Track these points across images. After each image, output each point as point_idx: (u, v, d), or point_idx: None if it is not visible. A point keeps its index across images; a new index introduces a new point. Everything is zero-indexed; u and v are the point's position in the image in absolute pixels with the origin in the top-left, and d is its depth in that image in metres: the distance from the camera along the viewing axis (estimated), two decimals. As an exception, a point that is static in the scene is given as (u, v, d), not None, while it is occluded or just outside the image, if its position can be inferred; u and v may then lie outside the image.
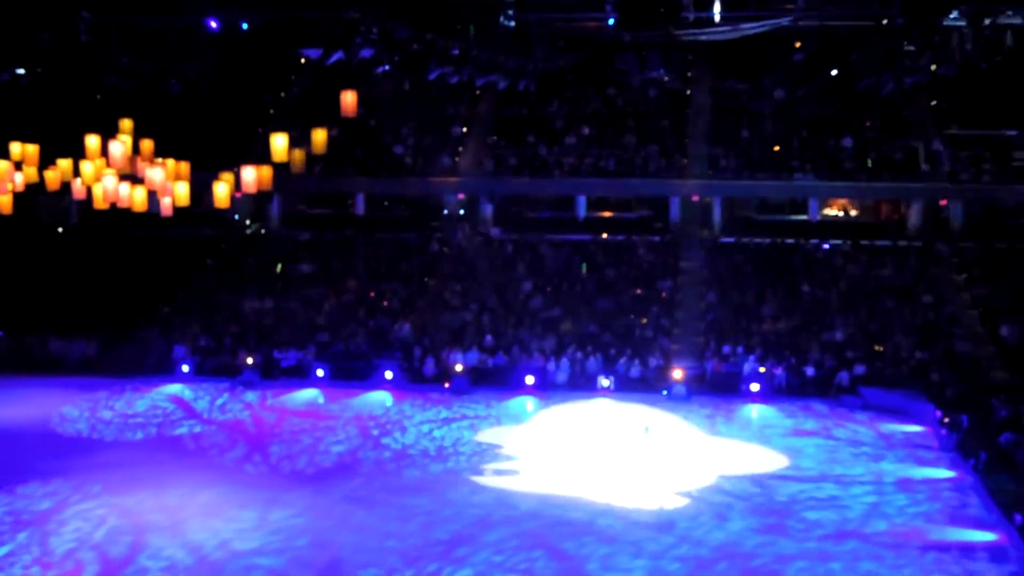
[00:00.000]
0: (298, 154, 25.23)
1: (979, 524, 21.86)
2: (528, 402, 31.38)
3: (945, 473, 25.05)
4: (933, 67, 37.06)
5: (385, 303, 37.67)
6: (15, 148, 25.05)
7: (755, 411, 30.65)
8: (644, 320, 35.83)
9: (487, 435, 28.11)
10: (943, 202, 40.29)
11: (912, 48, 36.69)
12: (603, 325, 35.44)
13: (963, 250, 38.32)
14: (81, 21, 34.56)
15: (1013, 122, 40.33)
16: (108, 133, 24.42)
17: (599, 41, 42.19)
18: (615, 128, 43.38)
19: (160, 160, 24.58)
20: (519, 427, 28.97)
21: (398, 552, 20.14)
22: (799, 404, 31.01)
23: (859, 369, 32.05)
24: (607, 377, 32.44)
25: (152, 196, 24.70)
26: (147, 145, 24.86)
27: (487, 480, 24.56)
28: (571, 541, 20.75)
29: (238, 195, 25.72)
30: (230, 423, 29.24)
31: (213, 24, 37.26)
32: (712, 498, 23.29)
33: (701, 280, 38.23)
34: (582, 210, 42.51)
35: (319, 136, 24.83)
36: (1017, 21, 36.66)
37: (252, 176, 24.12)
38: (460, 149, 43.51)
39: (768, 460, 25.99)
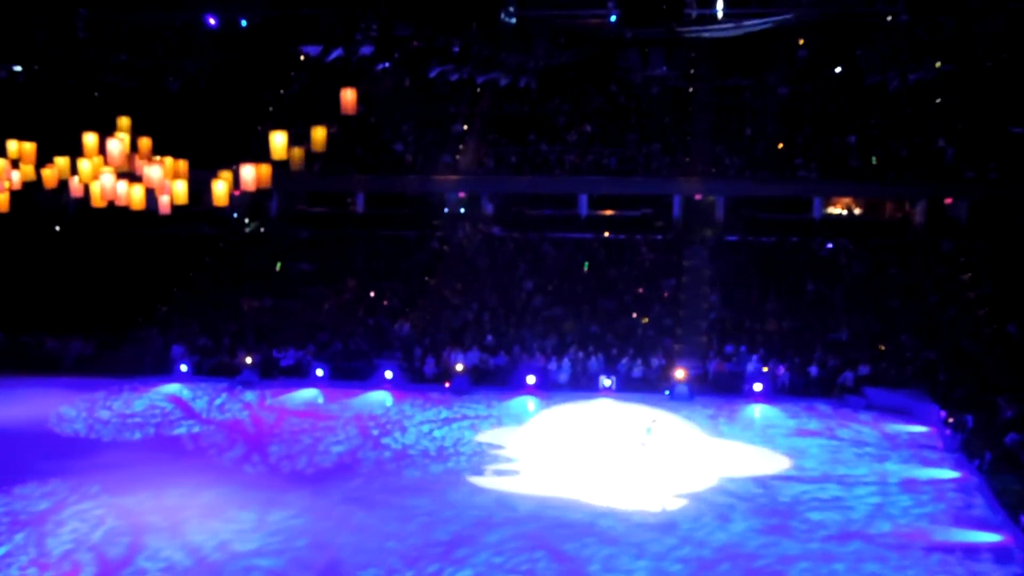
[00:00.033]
0: (297, 152, 25.24)
1: (984, 525, 21.88)
2: (529, 402, 31.42)
3: (950, 474, 25.07)
4: (938, 64, 37.03)
5: (385, 302, 37.70)
6: (12, 146, 25.07)
7: (758, 411, 30.68)
8: (646, 320, 35.85)
9: (488, 435, 28.14)
10: (948, 200, 40.30)
11: (917, 44, 36.65)
12: (605, 324, 35.47)
13: (969, 248, 38.31)
14: (79, 18, 34.53)
15: (1019, 119, 40.30)
16: (106, 131, 24.43)
17: (601, 38, 42.09)
18: (617, 126, 43.38)
19: (158, 158, 24.58)
20: (520, 427, 29.00)
21: (398, 553, 20.17)
22: (802, 404, 31.04)
23: (863, 369, 32.07)
24: (609, 377, 32.48)
25: (150, 194, 24.72)
26: (145, 143, 24.86)
27: (488, 481, 24.59)
28: (572, 542, 20.78)
29: (237, 193, 25.71)
30: (229, 423, 29.27)
31: (212, 21, 37.22)
32: (715, 499, 23.32)
33: (704, 279, 38.25)
34: (584, 208, 42.53)
35: (318, 134, 24.83)
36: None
37: (251, 174, 24.11)
38: (461, 147, 43.53)
39: (771, 460, 26.02)
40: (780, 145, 41.83)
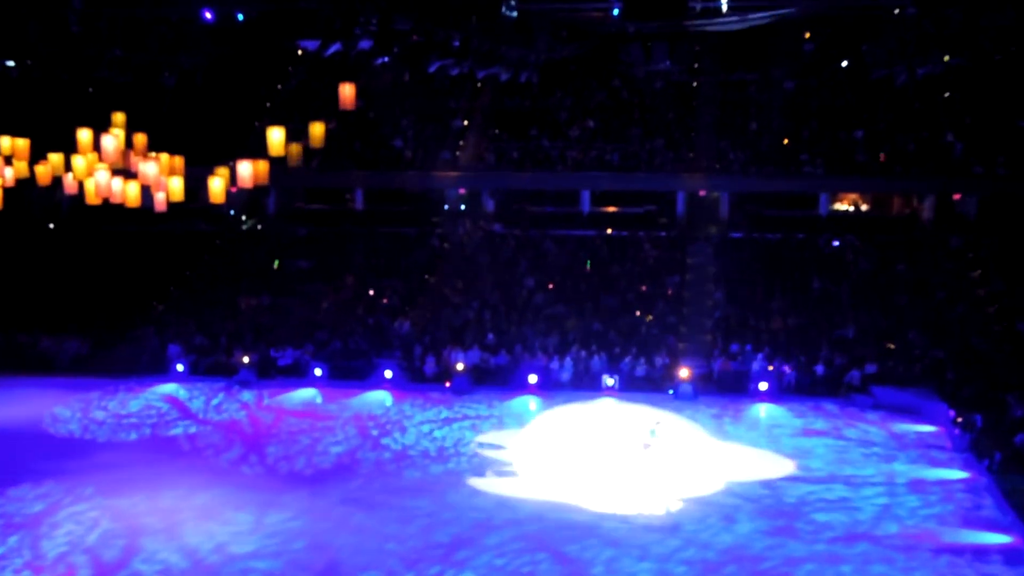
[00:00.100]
0: (295, 148, 25.27)
1: (993, 526, 21.89)
2: (531, 402, 31.43)
3: (958, 474, 25.07)
4: (946, 57, 36.96)
5: (385, 300, 37.71)
6: (5, 142, 25.06)
7: (763, 411, 30.68)
8: (650, 318, 35.85)
9: (489, 436, 28.16)
10: (957, 195, 40.27)
11: (924, 38, 36.58)
12: (608, 323, 35.46)
13: (978, 244, 38.29)
14: (72, 12, 34.48)
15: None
16: (100, 127, 24.40)
17: (603, 32, 42.02)
18: (620, 121, 43.35)
19: (154, 154, 24.58)
20: (522, 427, 29.01)
21: (398, 555, 20.20)
22: (809, 403, 31.05)
23: (870, 367, 32.06)
24: (612, 376, 32.48)
25: (146, 191, 24.69)
26: (140, 139, 24.87)
27: (489, 482, 24.61)
28: (575, 544, 20.80)
29: (234, 190, 25.70)
30: (226, 423, 29.30)
31: (208, 15, 37.13)
32: (719, 500, 23.34)
33: (708, 277, 38.24)
34: (586, 205, 42.51)
35: (317, 129, 24.84)
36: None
37: (248, 170, 24.11)
38: (461, 142, 43.51)
39: (777, 461, 26.03)
40: (786, 140, 41.78)
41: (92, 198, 24.73)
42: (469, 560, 20.04)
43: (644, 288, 37.59)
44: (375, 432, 28.44)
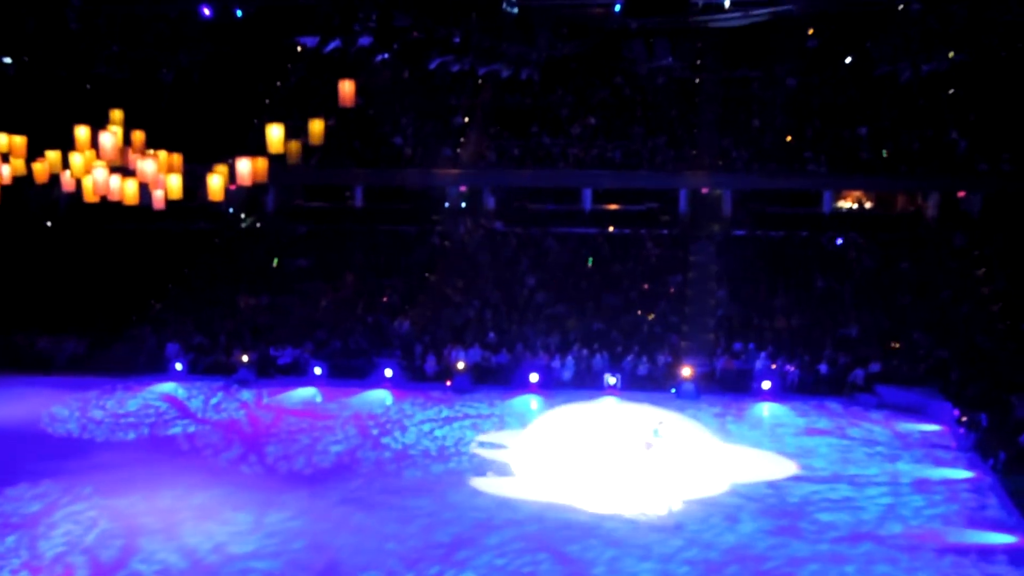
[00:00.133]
0: (294, 145, 25.24)
1: (998, 526, 21.88)
2: (532, 401, 31.42)
3: (963, 474, 25.06)
4: (951, 54, 36.96)
5: (384, 299, 37.71)
6: (2, 139, 25.01)
7: (767, 410, 30.67)
8: (652, 316, 35.85)
9: (490, 435, 28.15)
10: (961, 193, 40.25)
11: (929, 34, 36.59)
12: (610, 321, 35.46)
13: (982, 243, 38.27)
14: (70, 8, 34.52)
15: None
16: (98, 124, 24.38)
17: (605, 28, 42.04)
18: (622, 118, 43.33)
19: (152, 152, 24.54)
20: (523, 427, 29.00)
21: (398, 555, 20.20)
22: (812, 403, 31.04)
23: (874, 366, 32.05)
24: (614, 375, 32.47)
25: (144, 189, 24.68)
26: (138, 136, 24.85)
27: (489, 481, 24.60)
28: (576, 544, 20.79)
29: (232, 188, 25.69)
30: (225, 423, 29.30)
31: (207, 11, 37.22)
32: (722, 500, 23.33)
33: (711, 275, 38.24)
34: (588, 203, 42.49)
35: (316, 127, 24.81)
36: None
37: (247, 168, 24.10)
38: (462, 140, 43.49)
39: (780, 460, 26.01)
40: (789, 138, 41.75)
41: (90, 196, 24.73)
42: (469, 560, 20.04)
43: (646, 286, 37.58)
44: (375, 431, 28.43)
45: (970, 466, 25.51)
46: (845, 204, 42.62)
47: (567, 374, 33.25)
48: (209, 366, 34.22)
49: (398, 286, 38.32)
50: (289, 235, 42.33)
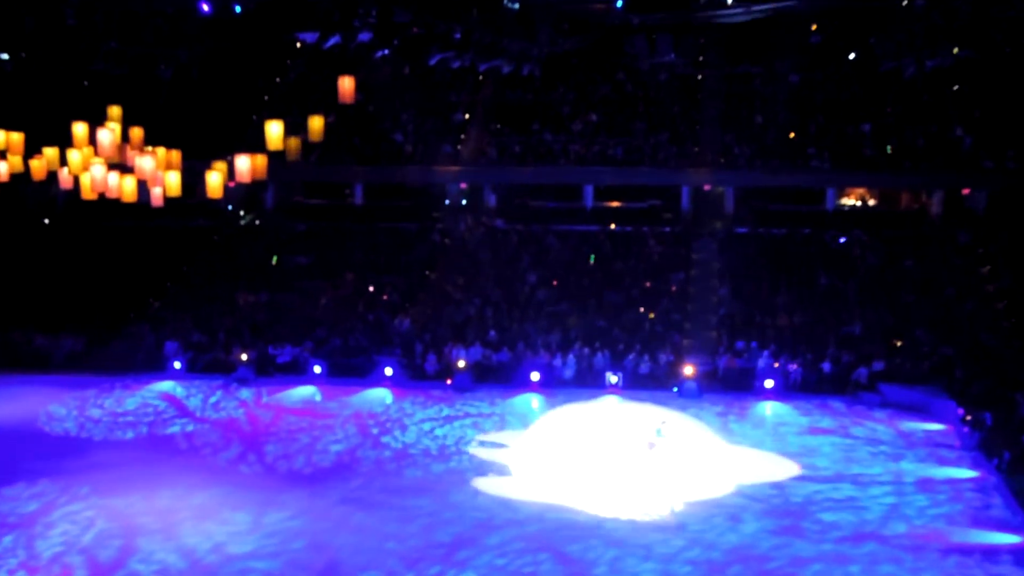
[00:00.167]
0: (294, 142, 25.19)
1: (1003, 526, 21.88)
2: (533, 399, 31.42)
3: (967, 473, 25.05)
4: (955, 50, 36.91)
5: (385, 297, 37.70)
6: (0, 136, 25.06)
7: (769, 409, 30.67)
8: (653, 314, 35.83)
9: (491, 434, 28.14)
10: (966, 190, 40.22)
11: (933, 30, 36.55)
12: (611, 319, 35.45)
13: (987, 240, 38.23)
14: (68, 4, 34.50)
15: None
16: (96, 120, 24.38)
17: (607, 24, 41.95)
18: (624, 115, 43.29)
19: (150, 148, 24.53)
20: (524, 426, 28.99)
21: (398, 555, 20.20)
22: (815, 401, 31.04)
23: (878, 365, 32.04)
24: (615, 373, 32.46)
25: (142, 186, 24.66)
26: (137, 133, 24.83)
27: (490, 481, 24.60)
28: (577, 544, 20.79)
29: (231, 185, 25.64)
30: (224, 422, 29.30)
31: (205, 7, 37.15)
32: (725, 499, 23.33)
33: (713, 272, 38.21)
34: (589, 200, 42.42)
35: (316, 123, 24.79)
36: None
37: (246, 165, 24.09)
38: (462, 136, 43.46)
39: (783, 460, 26.01)
40: (792, 134, 41.73)
41: (88, 193, 24.72)
42: (470, 560, 20.04)
43: (648, 284, 37.56)
44: (375, 430, 28.44)
45: (974, 465, 25.50)
46: (848, 201, 42.58)
47: (568, 372, 33.25)
48: (208, 364, 34.20)
49: (398, 284, 38.30)
50: (288, 232, 42.30)
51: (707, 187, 41.46)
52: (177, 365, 33.73)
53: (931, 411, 29.54)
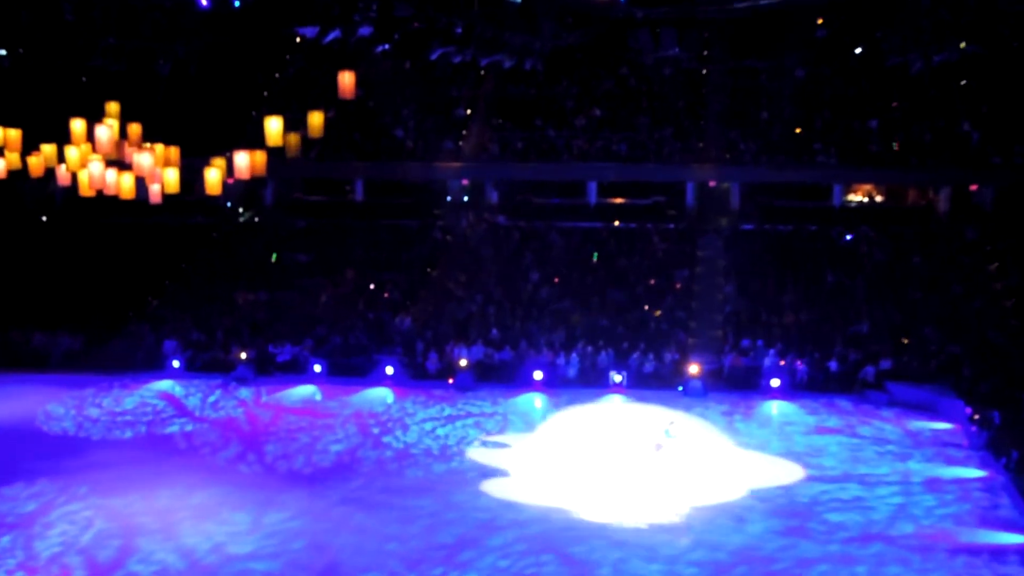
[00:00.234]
0: (293, 138, 25.23)
1: (1011, 526, 21.88)
2: (536, 399, 31.43)
3: (975, 472, 25.06)
4: (963, 44, 36.89)
5: (385, 294, 37.70)
6: (-4, 133, 25.11)
7: (775, 408, 30.67)
8: (658, 312, 35.82)
9: (493, 434, 28.15)
10: (974, 186, 40.20)
11: (940, 24, 36.54)
12: (615, 317, 35.44)
13: (995, 237, 38.22)
14: (66, 0, 34.56)
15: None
16: (94, 117, 24.42)
17: (610, 17, 41.95)
18: (628, 110, 43.30)
19: (149, 145, 24.56)
20: (527, 425, 29.01)
21: (399, 556, 20.22)
22: (822, 400, 31.03)
23: (885, 363, 32.03)
24: (619, 372, 32.47)
25: (140, 183, 24.70)
26: (135, 129, 24.87)
27: (493, 481, 24.61)
28: (581, 545, 20.81)
29: (230, 181, 25.72)
30: (223, 421, 29.33)
31: (203, 1, 37.19)
32: (730, 500, 23.34)
33: (718, 270, 38.21)
34: (593, 196, 42.41)
35: (315, 119, 24.81)
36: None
37: (245, 161, 24.11)
38: (464, 132, 43.48)
39: (789, 459, 26.00)
40: (798, 129, 41.72)
41: (86, 190, 24.78)
42: (473, 562, 20.06)
43: (652, 282, 37.55)
44: (376, 430, 28.46)
45: (982, 465, 25.51)
46: (855, 197, 42.59)
47: (572, 371, 33.24)
48: (207, 363, 34.21)
49: (399, 281, 38.31)
50: (288, 229, 42.31)
51: (712, 183, 41.47)
52: (176, 364, 33.77)
53: (939, 410, 29.55)
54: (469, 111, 44.47)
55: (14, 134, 25.14)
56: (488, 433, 28.22)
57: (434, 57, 39.23)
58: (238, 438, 27.78)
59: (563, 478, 24.72)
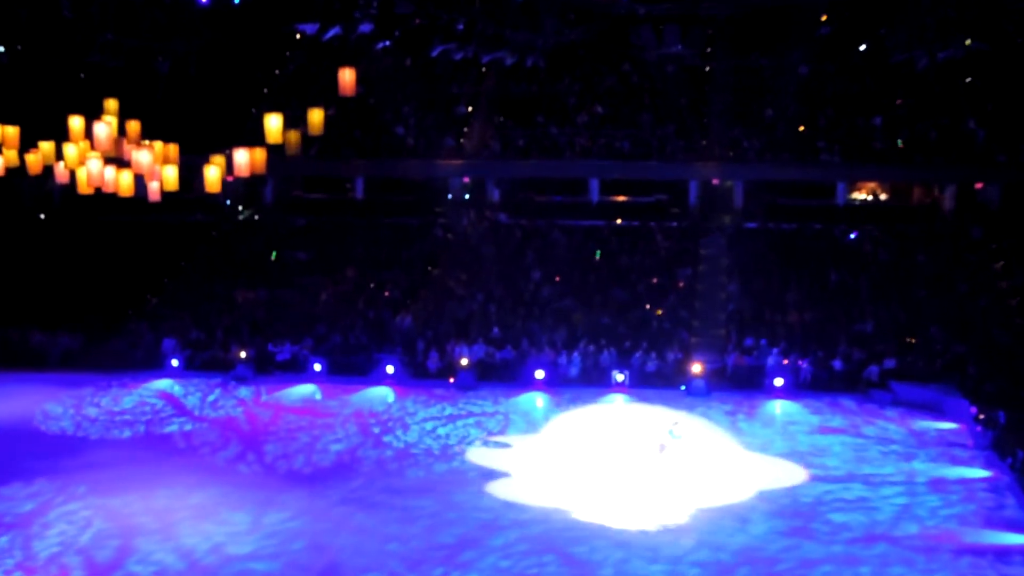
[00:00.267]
0: (293, 135, 25.23)
1: (1016, 526, 21.85)
2: (538, 398, 31.43)
3: (980, 473, 25.04)
4: (968, 41, 36.88)
5: (386, 293, 37.71)
6: (-6, 130, 25.11)
7: (779, 407, 30.66)
8: (661, 311, 35.82)
9: (495, 433, 28.15)
10: (979, 184, 40.17)
11: (945, 21, 36.53)
12: (617, 316, 35.44)
13: (1000, 235, 38.20)
14: (64, -4, 34.61)
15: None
16: (92, 114, 24.40)
17: (613, 14, 41.98)
18: (630, 107, 43.28)
19: (147, 142, 24.56)
20: (528, 424, 29.01)
21: (400, 556, 20.21)
22: (826, 400, 31.02)
23: (889, 363, 32.02)
24: (622, 372, 32.47)
25: (139, 180, 24.70)
26: (134, 126, 24.87)
27: (494, 481, 24.60)
28: (583, 545, 20.80)
29: (230, 179, 25.73)
30: (222, 420, 29.33)
31: (203, -2, 37.24)
32: (733, 500, 23.33)
33: (721, 268, 38.20)
34: (595, 194, 42.42)
35: (316, 116, 24.81)
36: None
37: (245, 159, 24.12)
38: (465, 129, 43.48)
39: (793, 459, 25.99)
40: (801, 127, 41.69)
41: (84, 187, 24.79)
42: (474, 562, 20.05)
43: (655, 280, 37.55)
44: (376, 429, 28.46)
45: (987, 465, 25.49)
46: (859, 195, 42.56)
47: (574, 371, 33.24)
48: (206, 362, 34.23)
49: (400, 280, 38.32)
50: (288, 227, 42.34)
51: (715, 181, 41.47)
52: (175, 363, 33.78)
53: (943, 410, 29.53)
54: (470, 108, 44.46)
55: (12, 131, 25.12)
56: (489, 433, 28.22)
57: (435, 54, 39.30)
58: (237, 438, 27.78)
59: (565, 478, 24.71)
